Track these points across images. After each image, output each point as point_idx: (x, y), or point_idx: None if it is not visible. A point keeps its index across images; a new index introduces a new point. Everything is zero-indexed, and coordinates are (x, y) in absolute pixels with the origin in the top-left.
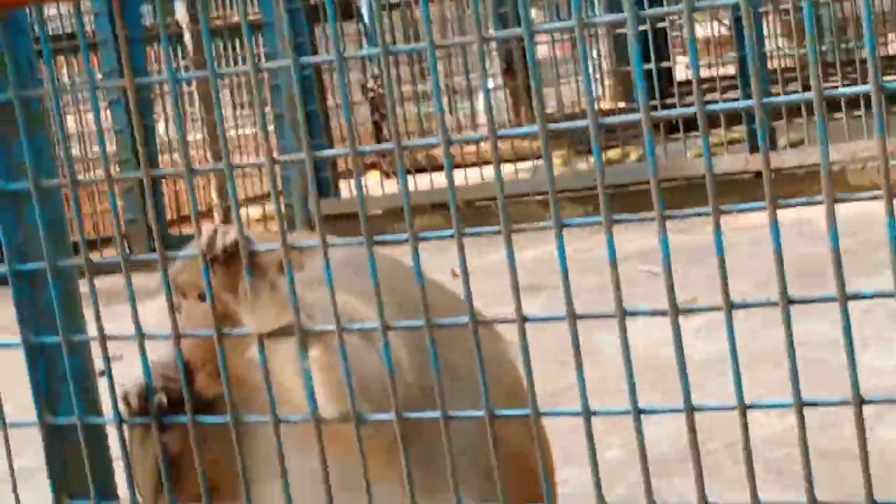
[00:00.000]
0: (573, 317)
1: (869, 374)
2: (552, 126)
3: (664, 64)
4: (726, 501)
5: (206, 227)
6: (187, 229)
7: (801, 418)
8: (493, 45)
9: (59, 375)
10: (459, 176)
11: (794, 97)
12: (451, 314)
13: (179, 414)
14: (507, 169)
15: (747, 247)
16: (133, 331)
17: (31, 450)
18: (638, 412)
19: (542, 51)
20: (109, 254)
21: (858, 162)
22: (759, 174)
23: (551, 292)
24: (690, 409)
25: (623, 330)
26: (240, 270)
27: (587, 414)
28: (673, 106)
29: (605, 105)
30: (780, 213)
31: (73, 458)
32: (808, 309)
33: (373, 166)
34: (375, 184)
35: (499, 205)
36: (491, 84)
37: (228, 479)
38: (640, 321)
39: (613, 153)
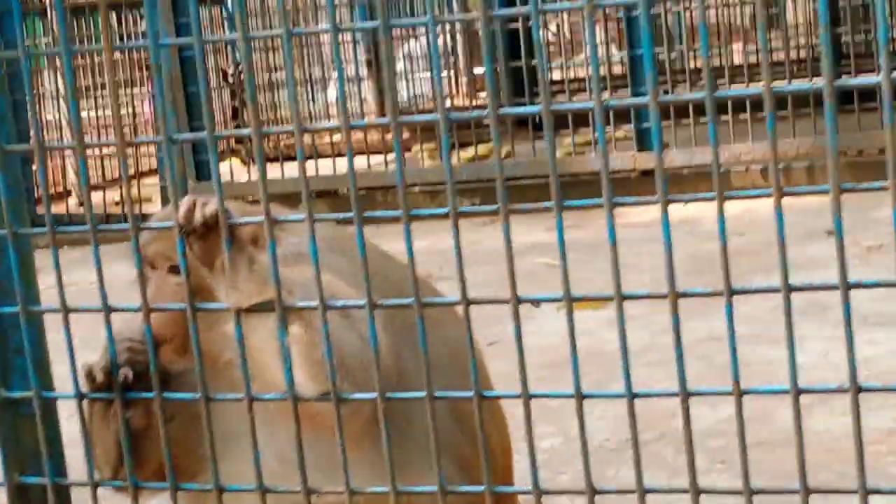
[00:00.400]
0: (620, 297)
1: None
2: (404, 119)
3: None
4: (668, 486)
5: (185, 199)
6: (57, 208)
7: (740, 406)
8: (358, 37)
9: (14, 347)
10: (311, 166)
11: (627, 101)
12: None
13: (144, 389)
14: (375, 160)
15: (639, 244)
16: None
17: None
18: (633, 396)
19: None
20: None
21: (742, 164)
22: (645, 172)
23: (448, 283)
24: (687, 395)
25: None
26: (217, 244)
27: (579, 396)
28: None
29: (460, 102)
30: (669, 211)
31: (26, 434)
32: (716, 305)
33: (233, 153)
34: (235, 170)
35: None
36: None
37: (189, 458)
38: (539, 315)
39: (484, 148)
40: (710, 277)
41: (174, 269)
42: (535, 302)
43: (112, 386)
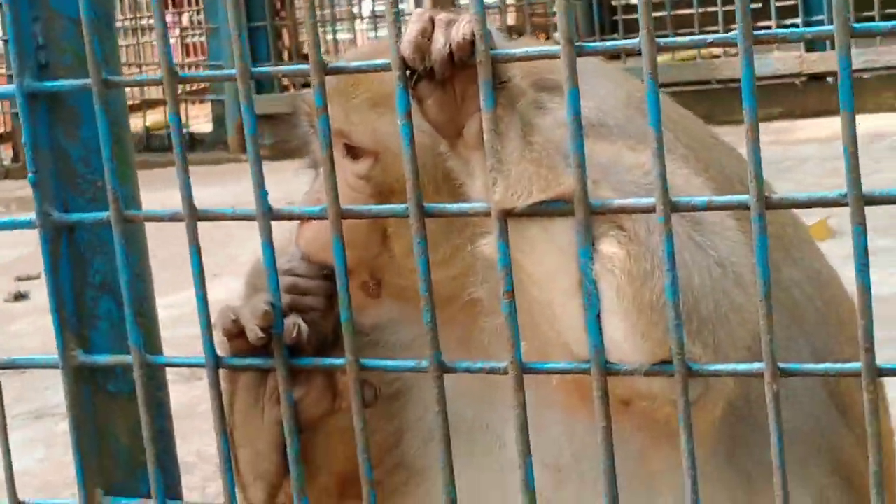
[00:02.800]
0: None
1: None
2: None
3: None
4: None
5: (416, 14)
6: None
7: None
8: None
9: (96, 282)
10: None
11: None
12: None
13: (314, 353)
14: None
15: (824, 162)
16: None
17: None
18: None
19: None
20: None
21: None
22: (814, 77)
23: None
24: None
25: None
26: (469, 94)
27: None
28: None
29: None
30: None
31: (117, 427)
32: None
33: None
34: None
35: None
36: None
37: (382, 463)
38: None
39: None
40: None
41: (353, 152)
42: None
43: (270, 348)
